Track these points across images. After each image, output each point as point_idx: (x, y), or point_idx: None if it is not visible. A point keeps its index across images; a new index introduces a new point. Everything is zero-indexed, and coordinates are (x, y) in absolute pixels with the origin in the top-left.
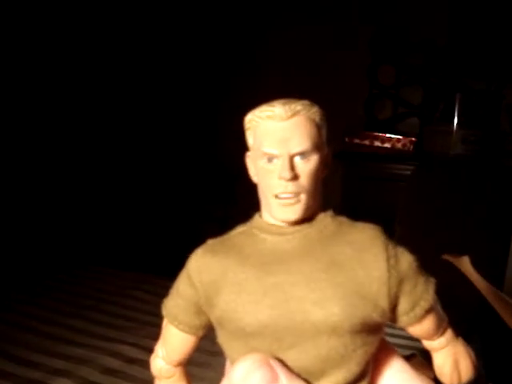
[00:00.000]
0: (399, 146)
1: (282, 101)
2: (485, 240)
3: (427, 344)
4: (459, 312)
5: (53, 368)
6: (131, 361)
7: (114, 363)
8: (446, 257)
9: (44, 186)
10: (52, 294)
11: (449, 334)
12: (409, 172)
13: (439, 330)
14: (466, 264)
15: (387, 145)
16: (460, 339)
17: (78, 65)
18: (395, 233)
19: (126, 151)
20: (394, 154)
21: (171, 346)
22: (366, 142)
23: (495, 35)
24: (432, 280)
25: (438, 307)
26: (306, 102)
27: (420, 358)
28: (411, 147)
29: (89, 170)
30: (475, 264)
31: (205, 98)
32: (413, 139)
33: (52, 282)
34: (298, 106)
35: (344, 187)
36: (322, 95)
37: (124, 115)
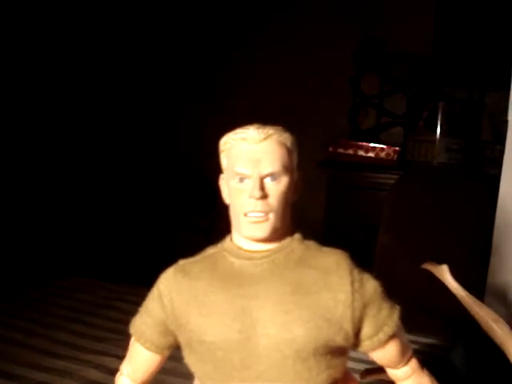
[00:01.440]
0: (383, 155)
1: (255, 125)
2: (467, 248)
3: (392, 373)
4: (442, 320)
5: (35, 380)
6: (114, 373)
7: (97, 375)
8: (426, 266)
9: (25, 199)
10: (34, 305)
11: (414, 363)
12: (392, 181)
13: (403, 359)
14: (445, 273)
15: (371, 154)
16: (425, 370)
17: (76, 67)
18: (378, 240)
19: (108, 162)
20: (377, 163)
21: (136, 365)
22: (350, 152)
23: (478, 45)
24: (397, 307)
25: (403, 335)
26: (278, 128)
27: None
28: (395, 156)
29: (69, 183)
30: (457, 272)
31: (189, 109)
32: (396, 148)
33: (35, 293)
34: (271, 130)
35: (328, 196)
36: (307, 105)
37: (106, 127)
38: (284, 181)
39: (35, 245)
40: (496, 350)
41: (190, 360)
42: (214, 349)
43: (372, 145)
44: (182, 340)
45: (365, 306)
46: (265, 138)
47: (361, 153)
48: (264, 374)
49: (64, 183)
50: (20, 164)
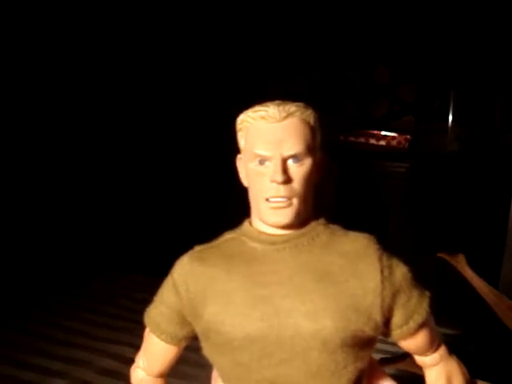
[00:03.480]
0: (394, 143)
1: (275, 102)
2: (480, 237)
3: (420, 360)
4: (455, 309)
5: (49, 369)
6: (129, 362)
7: (112, 364)
8: (442, 255)
9: (44, 191)
10: (49, 295)
11: (442, 350)
12: (404, 169)
13: (432, 346)
14: (461, 262)
15: (382, 142)
16: (454, 356)
17: (79, 66)
18: (390, 229)
19: (123, 154)
20: (388, 152)
21: (152, 357)
22: (362, 140)
23: (490, 34)
24: (427, 294)
25: (432, 322)
26: (300, 104)
27: (411, 359)
28: (406, 145)
29: (84, 176)
30: (470, 261)
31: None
32: (408, 137)
33: (49, 284)
34: (293, 107)
35: (338, 184)
36: (319, 93)
37: (122, 125)
38: (308, 162)
39: (55, 237)
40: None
41: (208, 351)
42: (231, 339)
43: (383, 133)
44: (199, 330)
45: (394, 295)
46: (286, 116)
47: (372, 141)
48: (286, 364)
49: (87, 177)
50: (46, 160)
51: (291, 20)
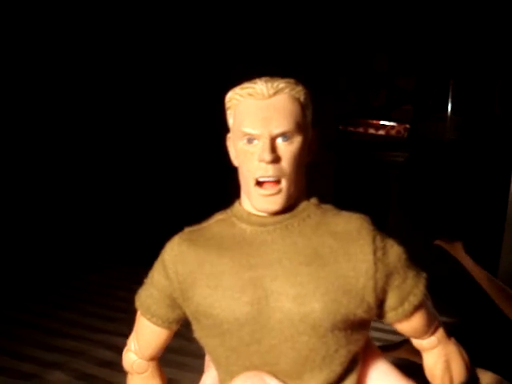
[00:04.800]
0: (393, 132)
1: (264, 78)
2: (479, 226)
3: (417, 343)
4: (453, 301)
5: (46, 361)
6: None
7: (110, 355)
8: (439, 242)
9: (40, 188)
10: (44, 285)
11: (440, 333)
12: (403, 159)
13: (430, 329)
14: (459, 250)
15: (381, 132)
16: (452, 339)
17: (77, 65)
18: (389, 219)
19: (115, 147)
20: (387, 141)
21: (144, 340)
22: (361, 130)
23: (489, 22)
24: (423, 274)
25: (429, 304)
26: (290, 80)
27: (411, 345)
28: (405, 134)
29: (77, 170)
30: (468, 249)
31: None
32: (407, 126)
33: (45, 275)
34: (282, 83)
35: (337, 174)
36: (316, 82)
37: (112, 120)
38: (297, 141)
39: (53, 230)
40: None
41: (199, 334)
42: (220, 323)
43: (382, 122)
44: (189, 313)
45: (388, 276)
46: (275, 93)
47: (371, 131)
48: (275, 349)
49: (81, 171)
50: (47, 158)
51: (287, 9)
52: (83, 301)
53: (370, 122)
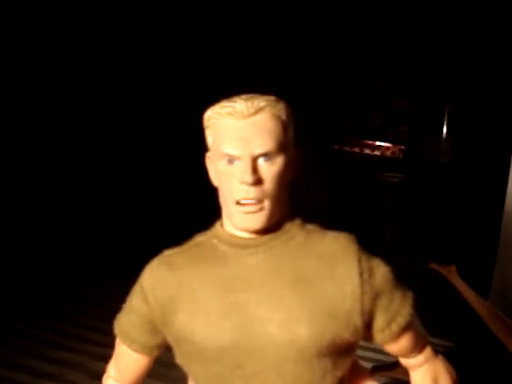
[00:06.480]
0: (388, 153)
1: (244, 96)
2: (473, 246)
3: (404, 361)
4: (446, 318)
5: (43, 372)
6: None
7: (104, 367)
8: (434, 266)
9: (36, 194)
10: (41, 298)
11: (428, 351)
12: (397, 179)
13: (417, 347)
14: (453, 273)
15: (377, 152)
16: (440, 356)
17: (76, 67)
18: (383, 238)
19: (110, 158)
20: (383, 162)
21: (123, 366)
22: (356, 150)
23: (485, 45)
24: (410, 294)
25: (417, 323)
26: (270, 98)
27: (403, 368)
28: (400, 155)
29: (74, 181)
30: (462, 270)
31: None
32: (402, 147)
33: (41, 287)
34: (262, 101)
35: (333, 193)
36: (312, 102)
37: (106, 129)
38: (280, 161)
39: (48, 240)
40: (503, 349)
41: (181, 359)
42: (203, 349)
43: (378, 143)
44: (171, 339)
45: (375, 298)
46: (256, 112)
47: (367, 151)
48: (260, 375)
49: (77, 182)
50: (45, 160)
51: (288, 29)
52: (80, 313)
53: (366, 142)
